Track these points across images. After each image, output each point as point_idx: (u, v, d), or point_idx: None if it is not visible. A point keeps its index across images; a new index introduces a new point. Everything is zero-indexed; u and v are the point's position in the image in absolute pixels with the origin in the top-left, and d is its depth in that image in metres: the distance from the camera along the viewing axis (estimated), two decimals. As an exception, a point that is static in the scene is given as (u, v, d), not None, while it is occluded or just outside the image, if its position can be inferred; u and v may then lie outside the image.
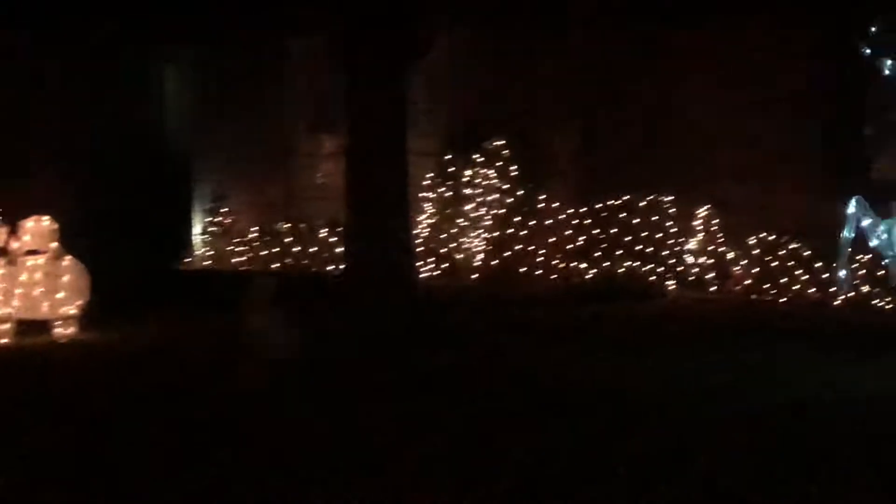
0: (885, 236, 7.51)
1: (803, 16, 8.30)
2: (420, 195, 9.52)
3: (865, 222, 7.45)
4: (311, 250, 10.10)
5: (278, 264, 10.36)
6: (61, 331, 5.96)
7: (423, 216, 9.65)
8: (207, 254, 11.09)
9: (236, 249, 10.72)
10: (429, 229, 9.65)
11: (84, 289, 5.87)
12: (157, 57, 11.16)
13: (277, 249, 10.49)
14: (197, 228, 11.46)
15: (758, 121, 8.58)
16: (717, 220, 8.54)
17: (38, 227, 5.94)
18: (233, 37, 10.56)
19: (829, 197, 8.01)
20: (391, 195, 6.30)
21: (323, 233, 10.19)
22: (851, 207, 7.47)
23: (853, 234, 7.56)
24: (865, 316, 6.90)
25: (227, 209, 11.10)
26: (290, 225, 10.60)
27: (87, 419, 4.04)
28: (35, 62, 9.63)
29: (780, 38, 8.56)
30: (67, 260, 5.96)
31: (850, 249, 7.58)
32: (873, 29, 7.79)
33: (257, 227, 10.79)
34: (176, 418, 4.00)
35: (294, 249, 10.41)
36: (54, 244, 5.95)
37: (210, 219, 11.21)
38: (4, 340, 5.91)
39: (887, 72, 7.72)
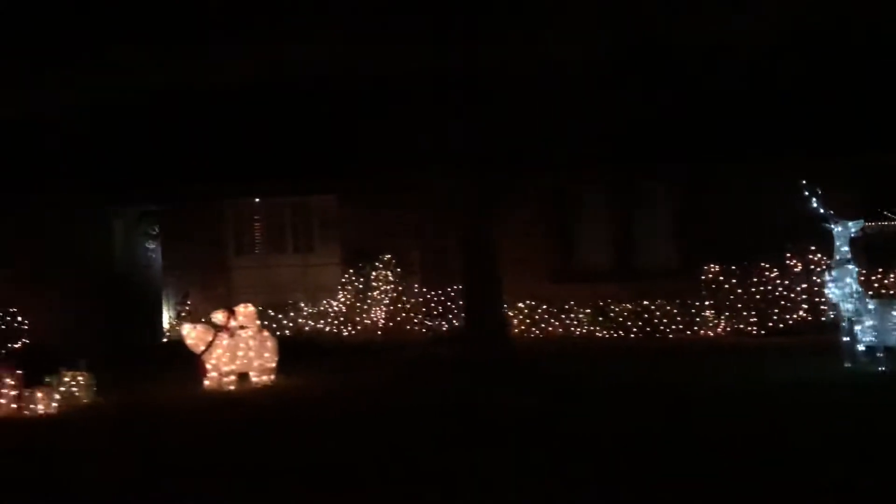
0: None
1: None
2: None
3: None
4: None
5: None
6: (260, 379, 8.38)
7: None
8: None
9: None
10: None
11: (275, 351, 8.40)
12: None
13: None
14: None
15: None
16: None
17: (247, 311, 8.39)
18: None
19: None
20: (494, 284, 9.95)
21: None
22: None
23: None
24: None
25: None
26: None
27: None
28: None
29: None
30: (266, 332, 8.48)
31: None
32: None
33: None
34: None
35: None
36: (257, 322, 8.42)
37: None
38: (231, 388, 8.21)
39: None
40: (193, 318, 13.73)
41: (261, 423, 6.68)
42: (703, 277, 11.86)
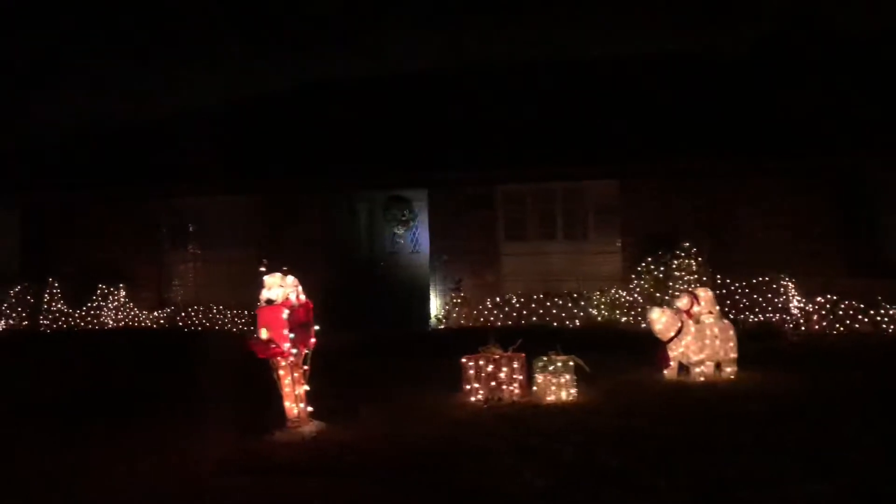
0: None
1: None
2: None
3: None
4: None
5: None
6: (724, 371, 7.95)
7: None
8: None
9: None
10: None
11: (736, 340, 7.94)
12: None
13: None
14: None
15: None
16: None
17: (707, 295, 7.93)
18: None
19: None
20: None
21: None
22: None
23: None
24: None
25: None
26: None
27: None
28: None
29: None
30: (726, 320, 8.03)
31: None
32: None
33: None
34: None
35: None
36: (716, 307, 7.97)
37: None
38: (701, 379, 7.76)
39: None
40: (468, 306, 13.38)
41: (803, 419, 6.22)
42: None
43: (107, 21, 13.49)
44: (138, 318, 13.87)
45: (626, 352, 9.30)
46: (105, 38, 13.66)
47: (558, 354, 7.08)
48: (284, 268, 6.10)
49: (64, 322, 13.75)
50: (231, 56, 14.68)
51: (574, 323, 12.59)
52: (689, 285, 12.36)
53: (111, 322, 13.75)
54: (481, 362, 6.93)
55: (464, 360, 6.99)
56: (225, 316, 13.63)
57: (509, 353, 7.01)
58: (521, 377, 6.96)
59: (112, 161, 15.07)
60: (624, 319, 12.51)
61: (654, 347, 8.67)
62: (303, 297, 6.19)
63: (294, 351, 5.98)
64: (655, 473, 4.87)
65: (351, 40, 14.79)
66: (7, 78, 13.56)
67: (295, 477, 5.13)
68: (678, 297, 7.99)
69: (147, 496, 4.97)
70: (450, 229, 13.80)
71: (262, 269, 6.08)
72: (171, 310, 13.86)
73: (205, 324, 13.56)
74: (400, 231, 15.23)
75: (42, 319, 13.79)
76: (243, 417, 6.47)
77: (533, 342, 7.32)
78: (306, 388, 6.15)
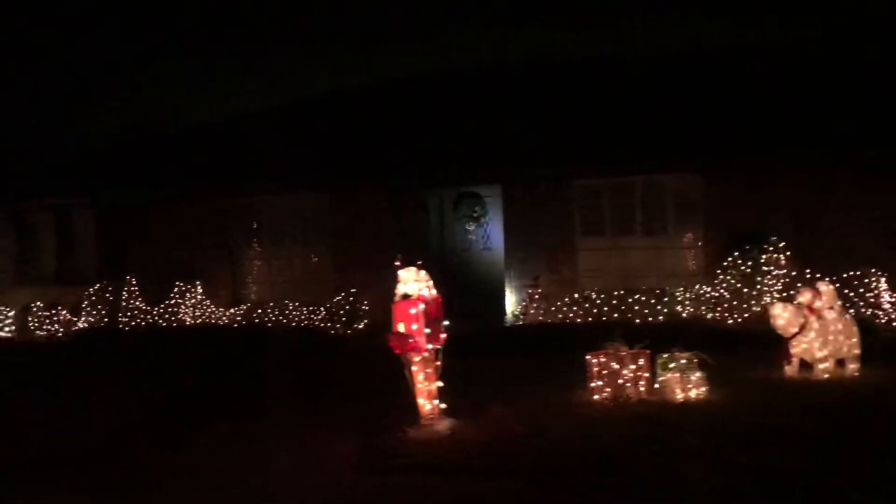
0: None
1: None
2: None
3: None
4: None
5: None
6: (852, 366, 7.68)
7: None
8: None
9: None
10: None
11: (859, 336, 7.69)
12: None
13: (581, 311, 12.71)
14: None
15: None
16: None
17: (828, 290, 7.68)
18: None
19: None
20: None
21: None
22: None
23: None
24: None
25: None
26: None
27: None
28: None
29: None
30: (848, 315, 7.78)
31: None
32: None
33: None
34: None
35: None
36: (838, 302, 7.73)
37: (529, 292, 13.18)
38: (825, 376, 7.54)
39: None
40: (546, 302, 13.20)
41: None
42: None
43: (170, 20, 13.51)
44: (214, 315, 13.91)
45: (724, 349, 9.03)
46: (172, 37, 13.68)
47: (681, 352, 6.88)
48: (419, 262, 5.99)
49: (142, 319, 13.83)
50: (296, 54, 14.60)
51: (657, 319, 12.34)
52: (778, 280, 12.09)
53: (189, 319, 13.80)
54: (605, 359, 6.76)
55: (588, 356, 6.82)
56: (301, 313, 13.61)
57: (635, 350, 6.83)
58: (647, 374, 6.77)
59: (185, 160, 15.13)
60: (710, 316, 12.24)
61: (753, 344, 8.43)
62: (434, 292, 6.07)
63: (429, 346, 5.87)
64: (843, 478, 4.64)
65: (419, 37, 14.62)
66: (77, 78, 13.60)
67: (446, 476, 5.01)
68: (802, 291, 7.71)
69: (298, 496, 4.88)
70: (525, 225, 13.64)
71: (397, 263, 5.97)
72: (248, 307, 13.87)
73: (281, 321, 13.54)
74: (471, 227, 15.07)
75: (121, 317, 13.88)
76: (368, 415, 6.37)
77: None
78: (439, 384, 6.03)
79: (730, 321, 12.04)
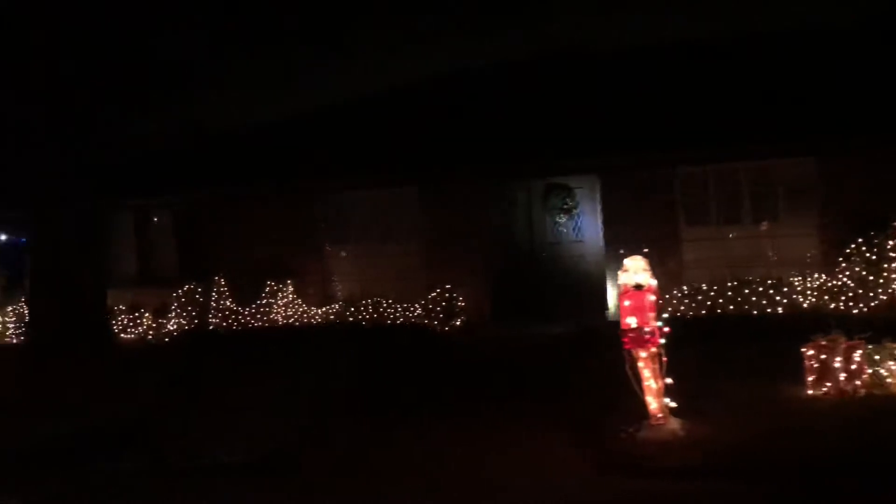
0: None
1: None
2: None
3: None
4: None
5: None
6: None
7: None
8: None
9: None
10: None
11: None
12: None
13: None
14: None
15: None
16: None
17: None
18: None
19: None
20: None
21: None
22: None
23: None
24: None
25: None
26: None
27: None
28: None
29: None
30: None
31: None
32: None
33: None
34: None
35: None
36: None
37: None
38: None
39: None
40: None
41: None
42: None
43: (250, 11, 13.09)
44: (307, 313, 13.47)
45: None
46: (253, 29, 13.25)
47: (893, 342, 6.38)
48: (645, 249, 5.51)
49: (233, 320, 13.41)
50: (382, 44, 14.13)
51: (776, 310, 11.80)
52: (906, 267, 11.56)
53: (280, 318, 13.38)
54: (823, 351, 6.27)
55: (805, 348, 6.33)
56: (395, 310, 13.16)
57: (853, 342, 6.33)
58: (865, 367, 6.28)
59: (271, 157, 14.68)
60: (833, 305, 11.70)
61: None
62: (653, 282, 5.59)
63: (662, 341, 5.40)
64: None
65: (505, 23, 14.11)
66: (152, 77, 13.17)
67: (701, 479, 4.53)
68: None
69: (548, 496, 4.40)
70: (624, 216, 13.11)
71: (622, 251, 5.50)
72: (340, 305, 13.43)
73: (376, 318, 13.10)
74: (562, 219, 14.58)
75: (211, 318, 13.46)
76: (572, 412, 5.90)
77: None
78: (668, 380, 5.55)
79: (855, 311, 11.49)
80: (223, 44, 13.67)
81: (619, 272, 5.41)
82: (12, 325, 14.43)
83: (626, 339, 5.37)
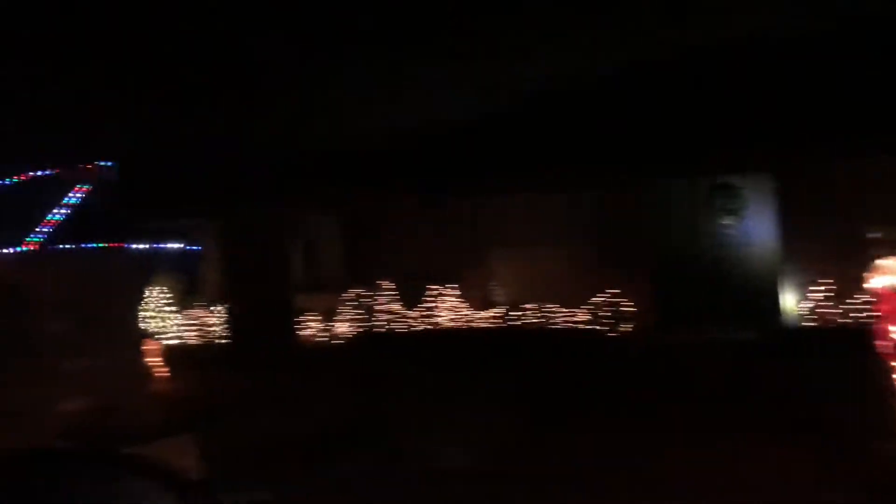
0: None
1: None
2: None
3: None
4: None
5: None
6: None
7: None
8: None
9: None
10: None
11: None
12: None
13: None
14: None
15: None
16: None
17: None
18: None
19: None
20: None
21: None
22: None
23: None
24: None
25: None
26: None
27: None
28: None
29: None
30: None
31: None
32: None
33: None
34: None
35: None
36: None
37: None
38: None
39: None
40: (836, 301, 12.01)
41: None
42: None
43: (411, 15, 13.23)
44: (471, 317, 13.59)
45: None
46: (414, 33, 13.41)
47: None
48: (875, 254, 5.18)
49: (399, 323, 13.69)
50: (534, 47, 14.02)
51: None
52: None
53: (444, 322, 13.55)
54: None
55: None
56: (560, 315, 13.06)
57: None
58: None
59: (430, 161, 14.88)
60: None
61: None
62: (915, 285, 5.23)
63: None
64: None
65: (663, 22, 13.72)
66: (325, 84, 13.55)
67: None
68: None
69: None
70: (803, 216, 12.50)
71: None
72: (507, 309, 13.46)
73: (540, 323, 13.05)
74: (729, 221, 14.05)
75: (377, 321, 13.79)
76: (807, 425, 5.62)
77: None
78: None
79: None
80: (398, 51, 13.87)
81: (872, 275, 5.07)
82: (194, 328, 15.22)
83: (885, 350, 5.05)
